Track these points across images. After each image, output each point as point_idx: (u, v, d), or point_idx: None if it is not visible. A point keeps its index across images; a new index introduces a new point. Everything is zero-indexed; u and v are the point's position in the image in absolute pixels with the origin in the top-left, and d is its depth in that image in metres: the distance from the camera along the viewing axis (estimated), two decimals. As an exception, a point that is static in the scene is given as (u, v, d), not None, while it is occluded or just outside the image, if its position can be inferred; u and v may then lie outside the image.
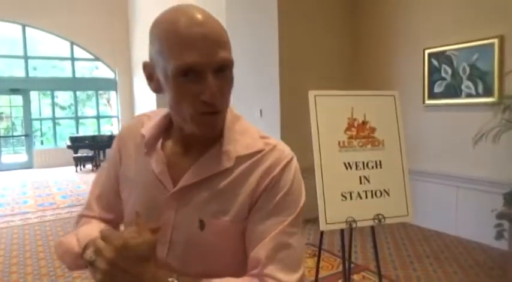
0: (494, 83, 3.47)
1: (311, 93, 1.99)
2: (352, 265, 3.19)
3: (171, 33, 0.72)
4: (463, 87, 3.75)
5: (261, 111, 4.62)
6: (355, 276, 3.06)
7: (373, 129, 2.05)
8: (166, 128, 0.89)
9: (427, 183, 3.95)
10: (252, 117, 4.76)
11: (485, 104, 3.47)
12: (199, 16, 0.73)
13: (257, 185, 0.80)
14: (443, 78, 3.91)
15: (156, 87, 0.80)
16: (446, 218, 3.92)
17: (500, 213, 2.82)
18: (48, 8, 9.61)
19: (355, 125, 2.03)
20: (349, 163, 1.99)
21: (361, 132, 2.03)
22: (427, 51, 4.03)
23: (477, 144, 3.15)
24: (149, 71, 0.80)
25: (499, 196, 2.91)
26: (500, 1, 3.43)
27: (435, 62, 3.97)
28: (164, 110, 0.90)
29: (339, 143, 2.00)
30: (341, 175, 1.97)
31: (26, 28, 9.82)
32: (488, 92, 3.52)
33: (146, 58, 0.82)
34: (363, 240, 3.77)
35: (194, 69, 0.71)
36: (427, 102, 4.06)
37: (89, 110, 11.75)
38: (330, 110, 2.00)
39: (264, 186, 0.80)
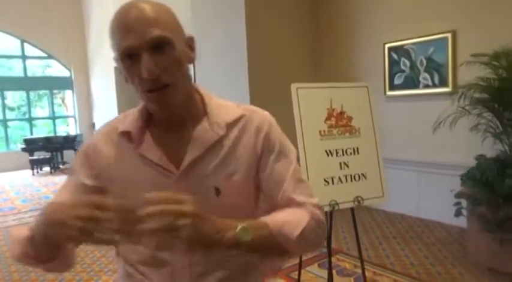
0: (448, 74, 3.76)
1: (293, 86, 2.11)
2: (325, 249, 3.37)
3: (111, 24, 0.83)
4: (420, 78, 4.03)
5: (230, 105, 4.69)
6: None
7: (350, 118, 2.21)
8: (146, 119, 0.94)
9: (390, 170, 4.16)
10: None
11: (442, 93, 3.77)
12: (134, 4, 0.83)
13: (255, 144, 0.93)
14: (403, 71, 4.17)
15: (125, 76, 0.87)
16: (409, 201, 4.21)
17: (458, 192, 3.08)
18: (-4, 4, 9.08)
19: (334, 114, 2.17)
20: (330, 150, 2.13)
21: (339, 121, 2.17)
22: (387, 45, 4.28)
23: (436, 131, 3.41)
24: (119, 66, 0.87)
25: (457, 178, 3.18)
26: (451, -2, 3.73)
27: (395, 56, 4.22)
28: (136, 108, 0.96)
29: (320, 132, 2.13)
30: (323, 162, 2.11)
31: (-30, 25, 9.22)
32: (443, 83, 3.82)
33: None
34: (334, 225, 3.96)
35: (132, 52, 0.80)
36: (388, 93, 4.32)
37: (39, 110, 11.23)
38: (310, 101, 2.13)
39: (261, 143, 0.94)
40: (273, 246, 0.84)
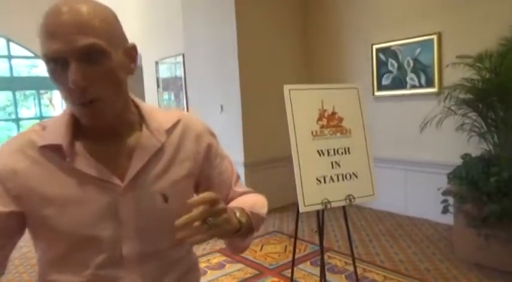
0: (434, 75, 3.86)
1: (286, 88, 2.15)
2: (317, 247, 3.43)
3: (40, 25, 0.74)
4: (407, 79, 4.11)
5: (221, 106, 4.73)
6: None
7: (341, 119, 2.26)
8: (73, 130, 0.84)
9: (378, 169, 4.24)
10: (213, 112, 4.86)
11: (428, 94, 3.86)
12: (64, 6, 0.73)
13: (197, 151, 0.96)
14: (390, 72, 4.26)
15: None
16: (396, 200, 4.30)
17: (445, 190, 3.17)
18: (-21, 2, 8.93)
19: (326, 115, 2.22)
20: (322, 150, 2.19)
21: (331, 121, 2.23)
22: (374, 47, 4.36)
23: (423, 130, 3.50)
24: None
25: (444, 176, 3.27)
26: (437, 1, 3.81)
27: (382, 57, 4.31)
28: (60, 114, 0.87)
29: (312, 132, 2.18)
30: (315, 161, 2.16)
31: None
32: (430, 83, 3.91)
33: None
34: (325, 224, 4.02)
35: (57, 57, 0.72)
36: (376, 93, 4.40)
37: (24, 111, 11.07)
38: (302, 102, 2.18)
39: (204, 151, 0.98)
40: (250, 226, 0.91)
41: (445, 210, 3.14)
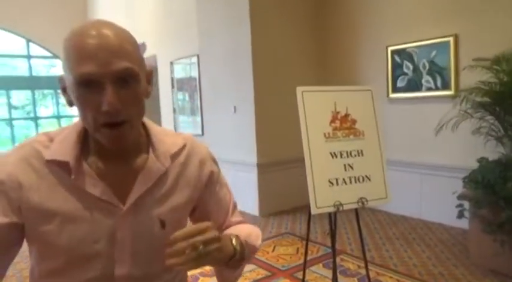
0: (451, 77, 3.80)
1: (298, 89, 2.16)
2: (329, 250, 3.41)
3: (71, 45, 0.74)
4: (423, 81, 4.07)
5: (235, 107, 4.75)
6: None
7: (354, 121, 2.25)
8: (82, 147, 0.85)
9: (393, 172, 4.21)
10: (226, 113, 4.88)
11: (444, 96, 3.81)
12: (96, 29, 0.75)
13: (199, 177, 0.96)
14: (405, 74, 4.22)
15: (68, 100, 0.81)
16: (411, 203, 4.25)
17: (460, 194, 3.12)
18: (2, 3, 9.16)
19: (339, 117, 2.21)
20: (334, 152, 2.18)
21: (344, 124, 2.22)
22: (389, 48, 4.32)
23: (438, 133, 3.45)
24: (63, 84, 0.80)
25: (459, 180, 3.21)
26: (455, 2, 3.76)
27: (397, 58, 4.27)
28: (68, 128, 0.87)
29: (325, 134, 2.18)
30: (328, 163, 2.16)
31: (-24, 25, 9.31)
32: (446, 86, 3.86)
33: None
34: (338, 227, 4.00)
35: (92, 79, 0.72)
36: (391, 96, 4.36)
37: (43, 109, 11.30)
38: (315, 104, 2.18)
39: (207, 177, 0.98)
40: (243, 255, 0.90)
41: (460, 215, 3.09)
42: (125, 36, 0.78)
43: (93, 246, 0.82)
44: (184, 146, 0.95)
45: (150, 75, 0.87)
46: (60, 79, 0.80)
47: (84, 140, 0.85)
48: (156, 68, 7.04)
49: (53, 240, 0.81)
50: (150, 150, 0.88)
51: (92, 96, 0.74)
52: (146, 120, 0.93)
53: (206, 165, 0.99)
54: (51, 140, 0.84)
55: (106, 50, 0.73)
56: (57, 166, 0.81)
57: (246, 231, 0.99)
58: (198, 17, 5.28)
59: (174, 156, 0.92)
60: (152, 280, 0.90)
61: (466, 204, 3.08)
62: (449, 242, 3.55)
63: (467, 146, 3.62)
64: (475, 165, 3.13)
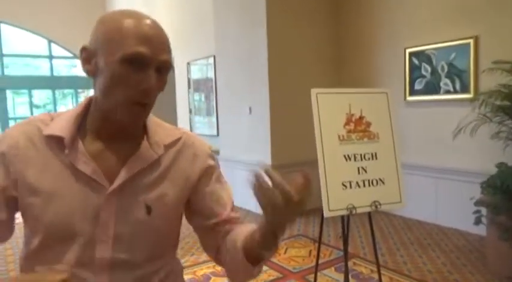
0: (470, 80, 3.73)
1: (313, 91, 2.15)
2: (342, 253, 3.38)
3: (124, 26, 0.80)
4: (441, 84, 4.00)
5: (250, 108, 4.76)
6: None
7: (368, 124, 2.23)
8: (78, 126, 0.89)
9: (409, 175, 4.17)
10: (241, 114, 4.90)
11: (463, 99, 3.74)
12: (148, 18, 0.84)
13: (192, 170, 0.96)
14: (423, 76, 4.15)
15: (92, 70, 0.84)
16: (427, 208, 4.18)
17: (478, 200, 3.06)
18: (25, 4, 9.40)
19: (353, 119, 2.20)
20: (348, 155, 2.17)
21: (358, 126, 2.20)
22: (408, 50, 4.26)
23: (456, 137, 3.39)
24: (88, 54, 0.85)
25: (477, 185, 3.15)
26: (475, 3, 3.69)
27: (415, 61, 4.21)
28: (70, 110, 0.92)
29: (339, 136, 2.16)
30: (341, 166, 2.15)
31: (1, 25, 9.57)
32: (465, 89, 3.78)
33: None
34: (351, 230, 3.97)
35: (142, 59, 0.80)
36: (409, 98, 4.30)
37: (63, 108, 11.55)
38: (330, 106, 2.17)
39: (200, 171, 0.97)
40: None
41: (477, 221, 3.02)
42: (165, 32, 0.87)
43: (76, 224, 0.84)
44: (179, 139, 0.97)
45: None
46: (84, 49, 0.85)
47: (83, 121, 0.89)
48: (173, 69, 7.11)
49: (38, 215, 0.84)
50: (145, 138, 0.92)
51: (134, 74, 0.80)
52: None
53: (201, 159, 0.98)
54: (52, 118, 0.90)
55: (160, 39, 0.83)
56: (54, 142, 0.85)
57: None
58: (214, 19, 5.31)
59: (168, 147, 0.94)
60: (133, 269, 0.88)
61: (484, 210, 3.01)
62: (465, 248, 3.47)
63: (486, 151, 3.55)
64: (493, 170, 3.06)
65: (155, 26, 0.84)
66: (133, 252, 0.88)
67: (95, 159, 0.86)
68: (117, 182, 0.86)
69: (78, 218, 0.84)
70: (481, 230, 3.21)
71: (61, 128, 0.86)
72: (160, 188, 0.91)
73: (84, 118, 0.90)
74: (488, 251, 3.13)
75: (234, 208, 1.03)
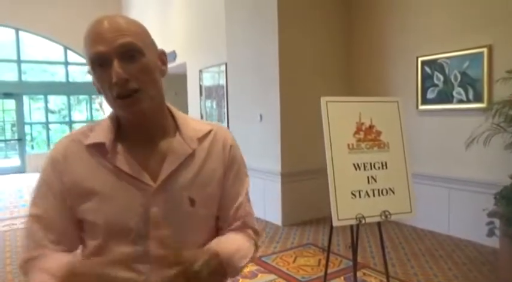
0: (483, 89, 3.68)
1: (323, 99, 2.15)
2: (351, 263, 3.34)
3: (84, 36, 0.85)
4: (454, 93, 3.96)
5: (261, 115, 4.77)
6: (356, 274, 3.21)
7: (379, 133, 2.22)
8: (115, 132, 0.93)
9: (420, 185, 4.13)
10: (252, 121, 4.91)
11: (476, 109, 3.69)
12: (107, 16, 0.86)
13: (223, 157, 1.00)
14: (436, 85, 4.12)
15: (97, 88, 0.89)
16: (438, 218, 4.12)
17: (491, 211, 3.00)
18: (42, 12, 9.63)
19: (363, 128, 2.19)
20: (357, 164, 2.16)
21: (368, 135, 2.19)
22: (420, 59, 4.23)
23: (469, 147, 3.34)
24: (91, 74, 0.89)
25: (490, 196, 3.10)
26: (489, 12, 3.66)
27: (428, 69, 4.17)
28: (105, 118, 0.97)
29: (349, 145, 2.16)
30: (351, 175, 2.13)
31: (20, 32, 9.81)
32: (478, 98, 3.74)
33: None
34: (361, 240, 3.93)
35: (102, 57, 0.82)
36: (421, 107, 4.27)
37: (77, 114, 11.73)
38: (339, 115, 2.16)
39: (228, 157, 1.01)
40: (218, 273, 0.86)
41: (490, 233, 2.97)
42: (132, 21, 0.88)
43: (129, 223, 0.88)
44: (210, 131, 1.01)
45: (163, 56, 0.95)
46: (89, 72, 0.89)
47: (119, 125, 0.94)
48: (185, 76, 7.18)
49: (92, 219, 0.89)
50: (177, 133, 0.95)
51: (105, 74, 0.83)
52: (173, 107, 1.00)
53: (227, 145, 1.02)
54: (91, 130, 0.95)
55: (112, 30, 0.83)
56: (96, 149, 0.90)
57: (235, 246, 0.97)
58: (226, 27, 5.36)
59: (201, 140, 0.98)
60: None
61: (497, 222, 2.95)
62: (478, 260, 3.41)
63: (500, 161, 3.49)
64: (507, 181, 3.00)
65: (110, 20, 0.84)
66: (184, 243, 0.91)
67: (136, 160, 0.90)
68: (160, 178, 0.90)
69: (130, 218, 0.88)
70: (494, 242, 3.15)
71: (100, 135, 0.91)
72: (201, 179, 0.95)
73: (120, 123, 0.94)
74: (501, 264, 3.06)
75: (247, 208, 1.04)
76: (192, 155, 0.95)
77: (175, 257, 0.78)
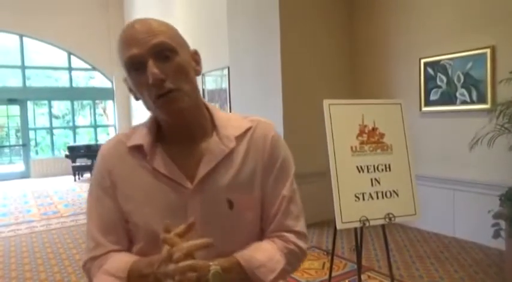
0: (487, 90, 3.67)
1: (325, 102, 2.15)
2: (356, 266, 3.33)
3: (118, 40, 0.86)
4: (457, 94, 3.95)
5: (264, 119, 4.77)
6: (361, 277, 3.19)
7: (382, 135, 2.22)
8: (155, 134, 0.94)
9: (424, 187, 4.11)
10: (255, 125, 4.90)
11: (480, 110, 3.68)
12: (138, 19, 0.86)
13: (263, 152, 0.95)
14: (439, 86, 4.11)
15: (134, 95, 0.91)
16: (444, 220, 4.09)
17: (497, 213, 2.98)
18: (46, 18, 9.71)
19: (366, 131, 2.19)
20: (361, 166, 2.15)
21: (371, 137, 2.19)
22: (423, 60, 4.23)
23: (473, 148, 3.32)
24: (128, 84, 0.91)
25: (495, 198, 3.08)
26: (491, 13, 3.65)
27: (431, 71, 4.17)
28: (145, 121, 0.98)
29: (352, 148, 2.15)
30: (354, 178, 2.13)
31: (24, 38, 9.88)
32: (482, 99, 3.72)
33: None
34: (366, 242, 3.91)
35: (137, 60, 0.82)
36: (424, 109, 4.25)
37: (81, 119, 11.79)
38: (342, 117, 2.16)
39: (268, 151, 0.95)
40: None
41: (496, 235, 2.94)
42: (163, 22, 0.88)
43: (174, 220, 0.85)
44: (249, 128, 0.96)
45: (196, 55, 0.95)
46: (125, 80, 0.91)
47: (159, 127, 0.94)
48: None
49: (135, 220, 0.91)
50: (214, 132, 0.93)
51: (142, 77, 0.83)
52: (210, 105, 0.98)
53: (267, 139, 0.96)
54: (133, 132, 0.96)
55: (144, 32, 0.83)
56: (137, 151, 0.92)
57: (260, 261, 0.89)
58: (228, 32, 5.38)
59: (239, 138, 0.94)
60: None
61: (503, 224, 2.93)
62: (484, 262, 3.38)
63: (504, 163, 3.47)
64: (512, 182, 2.99)
65: (141, 23, 0.85)
66: (224, 245, 0.88)
67: (174, 161, 0.90)
68: (196, 180, 0.89)
69: (169, 219, 0.85)
70: (500, 244, 3.12)
71: (140, 137, 0.93)
72: (240, 180, 0.92)
73: (159, 125, 0.95)
74: (507, 266, 3.04)
75: (287, 209, 0.96)
76: (230, 155, 0.92)
77: (191, 264, 0.76)
